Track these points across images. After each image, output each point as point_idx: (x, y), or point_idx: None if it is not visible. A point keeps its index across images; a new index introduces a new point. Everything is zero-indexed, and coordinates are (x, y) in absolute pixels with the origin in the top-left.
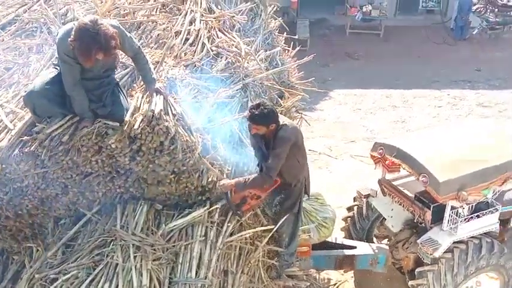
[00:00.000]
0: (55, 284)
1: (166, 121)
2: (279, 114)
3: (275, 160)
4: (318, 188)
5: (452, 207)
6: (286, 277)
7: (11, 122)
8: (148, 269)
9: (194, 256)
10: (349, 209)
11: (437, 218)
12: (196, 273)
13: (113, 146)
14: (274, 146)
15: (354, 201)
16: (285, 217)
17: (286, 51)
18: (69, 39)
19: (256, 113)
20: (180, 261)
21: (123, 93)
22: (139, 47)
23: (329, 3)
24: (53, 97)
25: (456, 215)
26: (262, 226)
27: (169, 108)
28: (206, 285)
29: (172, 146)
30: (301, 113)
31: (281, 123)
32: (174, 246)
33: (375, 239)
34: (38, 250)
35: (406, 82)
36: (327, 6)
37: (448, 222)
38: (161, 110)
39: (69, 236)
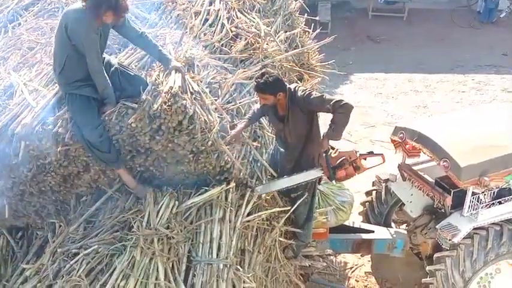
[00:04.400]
0: (76, 258)
1: (184, 99)
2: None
3: (330, 99)
4: None
5: (474, 193)
6: (302, 257)
7: (34, 100)
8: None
9: (214, 237)
10: (368, 193)
11: (458, 204)
12: (217, 254)
13: (133, 125)
14: (308, 104)
15: (373, 185)
16: (301, 198)
17: (307, 33)
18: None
19: (262, 81)
20: (201, 241)
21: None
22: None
23: None
24: None
25: (477, 201)
26: (279, 207)
27: (187, 87)
28: (228, 265)
29: (191, 125)
30: None
31: (292, 88)
32: (191, 223)
33: (393, 224)
34: (60, 226)
35: (429, 66)
36: None
37: (468, 208)
38: (179, 87)
39: (90, 213)
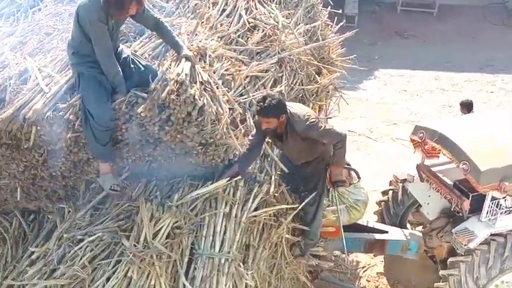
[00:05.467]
0: (81, 245)
1: (193, 89)
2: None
3: (328, 136)
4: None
5: (493, 198)
6: (310, 256)
7: (46, 86)
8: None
9: (218, 231)
10: (384, 193)
11: (476, 208)
12: (220, 248)
13: (143, 114)
14: (306, 135)
15: (390, 185)
16: (309, 197)
17: (329, 26)
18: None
19: (265, 105)
20: (204, 234)
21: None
22: (159, 17)
23: None
24: None
25: (496, 207)
26: (287, 204)
27: (197, 77)
28: (230, 260)
29: (200, 117)
30: (340, 92)
31: (289, 112)
32: (196, 215)
33: (408, 226)
34: (69, 211)
35: (457, 64)
36: None
37: (487, 213)
38: (186, 75)
39: (98, 200)
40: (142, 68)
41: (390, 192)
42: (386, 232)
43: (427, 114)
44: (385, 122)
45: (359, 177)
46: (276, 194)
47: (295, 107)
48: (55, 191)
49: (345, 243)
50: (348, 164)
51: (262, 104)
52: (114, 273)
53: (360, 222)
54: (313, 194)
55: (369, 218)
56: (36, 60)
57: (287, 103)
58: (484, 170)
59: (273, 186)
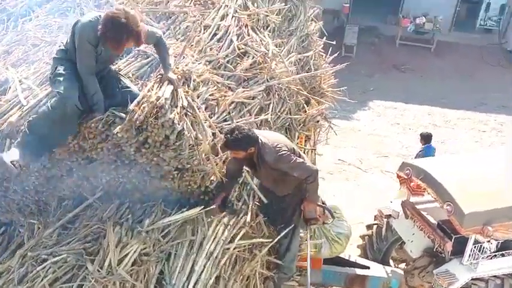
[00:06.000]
0: (44, 265)
1: (172, 113)
2: (258, 131)
3: (297, 169)
4: (342, 201)
5: (476, 242)
6: None
7: (25, 99)
8: None
9: (189, 266)
10: (369, 227)
11: (459, 251)
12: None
13: (119, 135)
14: (276, 167)
15: (375, 219)
16: (285, 230)
17: (323, 56)
18: (99, 28)
19: (231, 138)
20: (176, 265)
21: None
22: (160, 35)
23: (382, 11)
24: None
25: (479, 251)
26: (263, 235)
27: (178, 101)
28: None
29: (178, 141)
30: (330, 122)
31: (261, 143)
32: (167, 243)
33: (391, 262)
34: (39, 228)
35: (451, 101)
36: (380, 15)
37: (469, 257)
38: (166, 99)
39: (67, 219)
40: (125, 89)
41: (374, 227)
42: (368, 268)
43: (418, 149)
44: (376, 153)
45: (333, 217)
46: (253, 225)
47: (268, 137)
48: (27, 205)
49: (326, 276)
50: (323, 203)
51: (229, 136)
52: None
53: (341, 255)
54: (289, 227)
55: (351, 252)
56: (18, 71)
57: (261, 132)
58: (467, 212)
59: (249, 216)
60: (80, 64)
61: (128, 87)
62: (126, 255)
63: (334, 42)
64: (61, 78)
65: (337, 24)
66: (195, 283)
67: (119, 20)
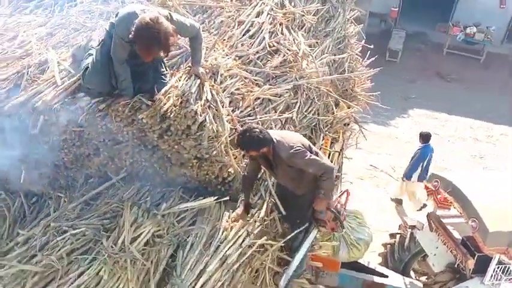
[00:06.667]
0: (64, 236)
1: (196, 105)
2: (273, 131)
3: (313, 166)
4: (369, 207)
5: (500, 262)
6: (292, 286)
7: (61, 79)
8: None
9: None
10: (392, 236)
11: (481, 269)
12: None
13: (144, 120)
14: (291, 163)
15: (399, 229)
16: (299, 229)
17: (360, 59)
18: (130, 36)
19: (243, 139)
20: (185, 256)
21: (166, 70)
22: (197, 30)
23: (432, 18)
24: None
25: (502, 272)
26: (276, 232)
27: (203, 93)
28: None
29: (199, 132)
30: (361, 126)
31: (275, 141)
32: (181, 227)
33: (412, 273)
34: (64, 201)
35: (496, 116)
36: (429, 21)
37: (491, 277)
38: (191, 93)
39: (90, 195)
40: (158, 77)
41: (398, 237)
42: (387, 276)
43: (455, 162)
44: None
45: (342, 227)
46: (267, 220)
47: (283, 135)
48: (57, 179)
49: (343, 280)
50: (338, 212)
51: (241, 137)
52: (88, 269)
53: (361, 261)
54: (305, 224)
55: (371, 259)
56: (58, 53)
57: (276, 132)
58: (492, 231)
59: (263, 212)
60: (112, 53)
61: (161, 76)
62: (139, 235)
63: (371, 46)
64: (90, 64)
65: (383, 27)
66: (204, 283)
67: (151, 31)
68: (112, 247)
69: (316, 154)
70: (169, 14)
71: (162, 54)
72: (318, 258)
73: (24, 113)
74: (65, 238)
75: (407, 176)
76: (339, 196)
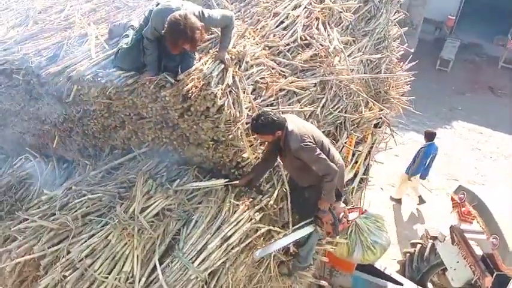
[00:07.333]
0: (82, 199)
1: (216, 89)
2: (289, 116)
3: (318, 164)
4: (397, 216)
5: None
6: (296, 278)
7: (95, 53)
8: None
9: (203, 244)
10: (413, 245)
11: None
12: (199, 264)
13: (167, 98)
14: (297, 155)
15: (421, 239)
16: (303, 222)
17: (399, 62)
18: (163, 30)
19: (257, 123)
20: (189, 231)
21: (194, 54)
22: (230, 19)
23: (490, 30)
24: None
25: None
26: (285, 222)
27: (226, 78)
28: (198, 279)
29: (217, 115)
30: (393, 130)
31: (288, 129)
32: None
33: (430, 285)
34: (89, 168)
35: None
36: (487, 33)
37: None
38: (212, 76)
39: (112, 165)
40: (185, 57)
41: (418, 246)
42: (401, 285)
43: (493, 179)
44: (447, 175)
45: (336, 234)
46: (276, 209)
47: (297, 124)
48: (86, 147)
49: (356, 282)
50: (338, 219)
51: (255, 121)
52: (98, 232)
53: (377, 266)
54: (311, 218)
55: (389, 265)
56: (98, 28)
57: (291, 118)
58: None
59: (273, 200)
60: (144, 32)
61: (189, 57)
62: (149, 206)
63: (412, 50)
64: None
65: (438, 35)
66: (204, 259)
67: (178, 26)
68: (123, 215)
69: (328, 151)
70: (202, 10)
71: (188, 48)
72: (332, 257)
73: (59, 82)
74: (83, 201)
75: (413, 173)
76: (350, 209)
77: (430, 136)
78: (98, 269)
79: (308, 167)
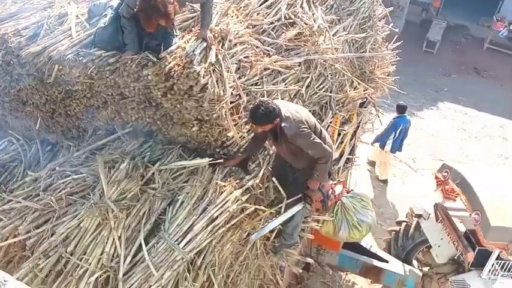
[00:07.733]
0: (66, 179)
1: (199, 67)
2: (279, 102)
3: (314, 149)
4: (383, 196)
5: (499, 258)
6: (282, 256)
7: (76, 32)
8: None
9: (188, 226)
10: (398, 223)
11: (480, 263)
12: (184, 245)
13: (149, 77)
14: (293, 142)
15: (406, 217)
16: (290, 199)
17: (384, 42)
18: (136, 8)
19: (258, 114)
20: (175, 212)
21: (175, 30)
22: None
23: (476, 11)
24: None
25: (501, 268)
26: (270, 200)
27: (208, 57)
28: (184, 260)
29: (200, 93)
30: (378, 110)
31: (283, 116)
32: (176, 184)
33: (415, 263)
34: (73, 149)
35: None
36: (473, 14)
37: (489, 272)
38: (195, 54)
39: (96, 146)
40: (167, 36)
41: (403, 224)
42: (387, 262)
43: (478, 159)
44: (432, 155)
45: (325, 210)
46: (262, 187)
47: (290, 109)
48: (69, 129)
49: (342, 261)
50: (327, 196)
51: (255, 112)
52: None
53: (363, 244)
54: (298, 195)
55: (374, 243)
56: (78, 7)
57: (284, 103)
58: (494, 225)
59: (258, 180)
60: (121, 10)
61: (170, 36)
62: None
63: (397, 30)
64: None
65: (424, 17)
66: (190, 240)
67: (149, 2)
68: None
69: (320, 133)
70: None
71: (164, 23)
72: (318, 236)
73: (40, 62)
74: (67, 181)
75: (379, 141)
76: (335, 184)
77: (401, 109)
78: (75, 251)
79: (302, 152)
